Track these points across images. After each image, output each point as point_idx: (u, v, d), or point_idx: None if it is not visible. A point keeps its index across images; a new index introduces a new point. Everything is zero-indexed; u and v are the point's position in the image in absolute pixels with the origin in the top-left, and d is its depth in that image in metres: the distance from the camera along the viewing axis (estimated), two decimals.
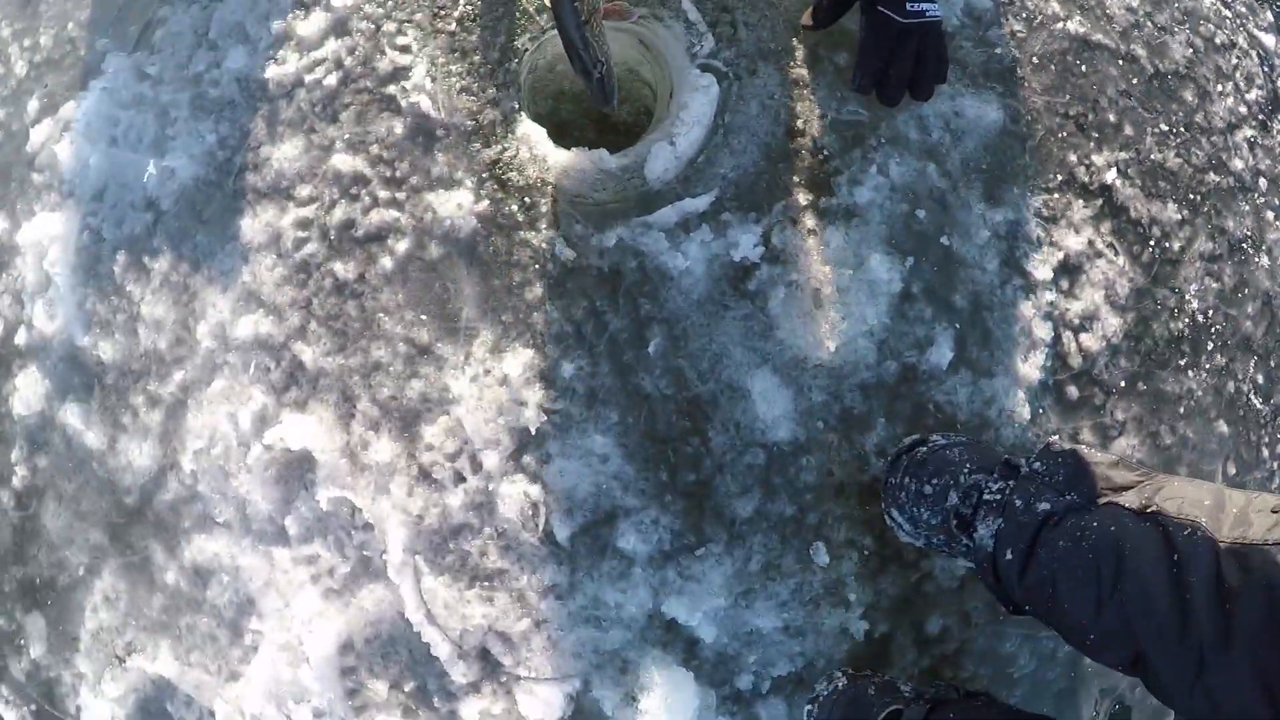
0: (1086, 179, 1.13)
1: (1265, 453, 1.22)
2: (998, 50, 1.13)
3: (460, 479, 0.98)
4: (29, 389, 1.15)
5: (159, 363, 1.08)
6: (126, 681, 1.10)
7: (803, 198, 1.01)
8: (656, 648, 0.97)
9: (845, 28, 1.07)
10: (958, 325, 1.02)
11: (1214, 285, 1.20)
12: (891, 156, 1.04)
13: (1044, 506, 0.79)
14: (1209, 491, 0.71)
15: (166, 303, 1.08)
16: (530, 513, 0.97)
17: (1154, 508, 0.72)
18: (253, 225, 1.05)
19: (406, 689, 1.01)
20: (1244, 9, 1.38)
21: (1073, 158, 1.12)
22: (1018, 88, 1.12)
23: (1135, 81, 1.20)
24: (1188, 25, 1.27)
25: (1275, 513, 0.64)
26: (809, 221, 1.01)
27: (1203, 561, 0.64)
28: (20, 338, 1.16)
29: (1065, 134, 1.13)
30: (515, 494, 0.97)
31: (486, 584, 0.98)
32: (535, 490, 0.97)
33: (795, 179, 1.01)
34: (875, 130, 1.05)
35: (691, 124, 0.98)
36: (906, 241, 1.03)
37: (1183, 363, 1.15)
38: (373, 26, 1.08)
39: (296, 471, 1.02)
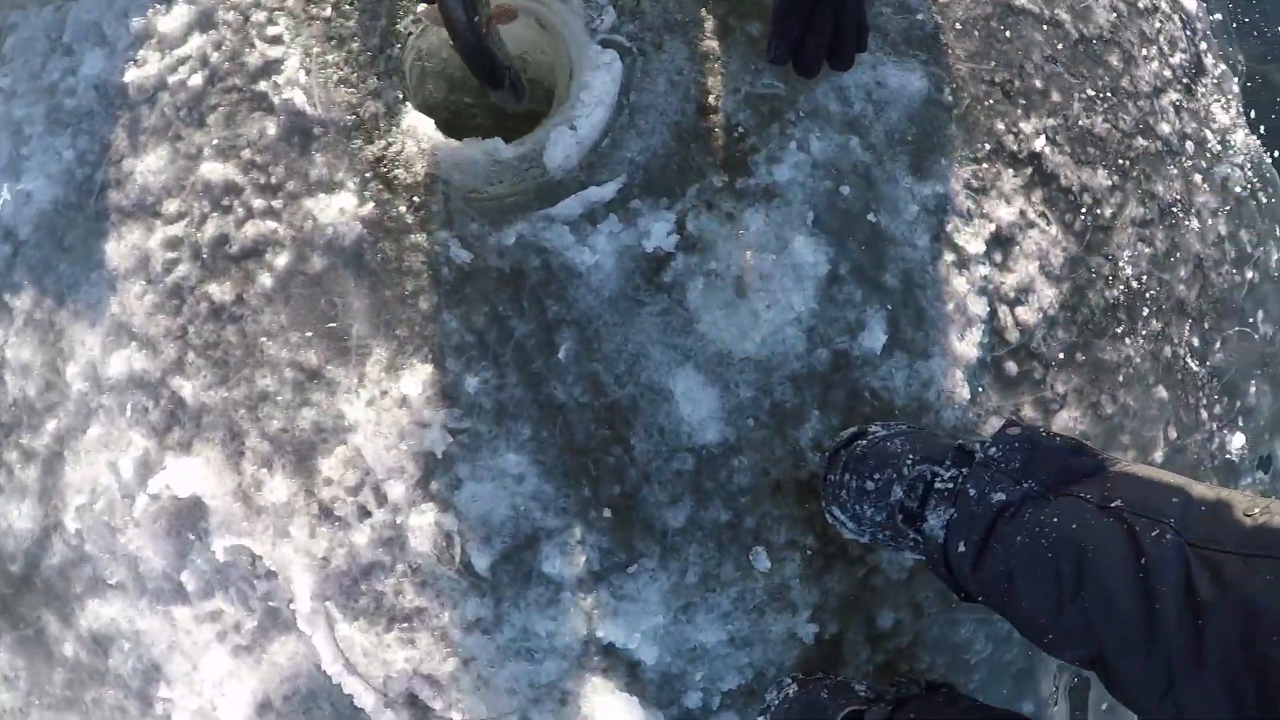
0: (1015, 147, 1.03)
1: (1204, 414, 1.15)
2: (919, 16, 1.02)
3: (365, 514, 0.85)
4: None
5: (30, 412, 0.92)
6: None
7: (718, 179, 0.89)
8: (596, 675, 0.86)
9: None
10: (889, 306, 0.92)
11: (1146, 250, 1.12)
12: (811, 131, 0.93)
13: (999, 497, 0.69)
14: (1176, 485, 0.63)
15: (32, 344, 0.92)
16: (444, 544, 0.84)
17: (1117, 501, 0.63)
18: (118, 249, 0.90)
19: None
20: None
21: (1000, 126, 1.02)
22: (941, 55, 1.02)
23: (1060, 47, 1.10)
24: None
25: (1248, 517, 0.56)
26: (726, 205, 0.89)
27: (1172, 568, 0.56)
28: None
29: (992, 102, 1.03)
30: (426, 525, 0.84)
31: (406, 625, 0.86)
32: (448, 519, 0.84)
33: (709, 159, 0.89)
34: (793, 104, 0.93)
35: (593, 105, 0.86)
36: (831, 221, 0.92)
37: (1119, 330, 1.07)
38: (240, 17, 0.93)
39: (188, 521, 0.88)
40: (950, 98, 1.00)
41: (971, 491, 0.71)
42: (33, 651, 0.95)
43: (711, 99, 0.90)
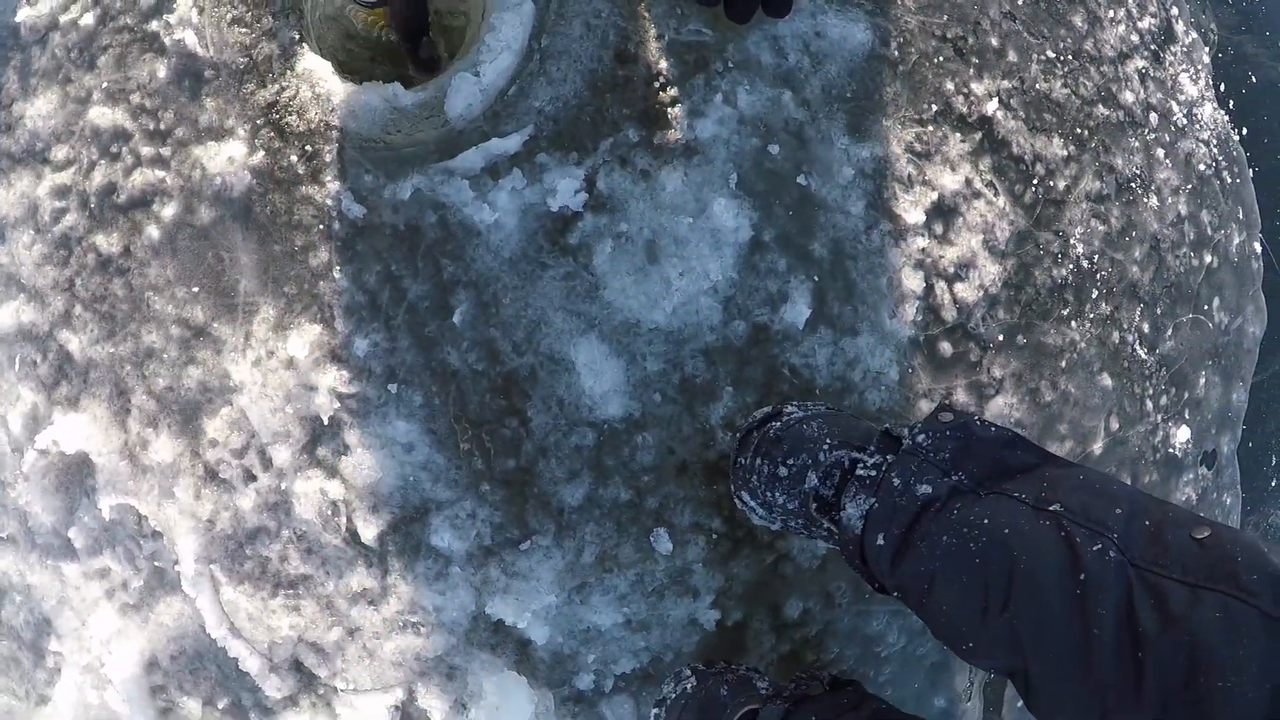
0: (965, 110, 0.84)
1: (1149, 405, 0.97)
2: None
3: (250, 477, 0.71)
4: None
5: None
6: None
7: (634, 133, 0.71)
8: (485, 651, 0.72)
9: None
10: (816, 278, 0.75)
11: (1100, 228, 0.92)
12: (740, 84, 0.74)
13: (925, 490, 0.54)
14: (1120, 494, 0.49)
15: None
16: (330, 512, 0.70)
17: (1056, 505, 0.50)
18: (6, 197, 0.75)
19: (220, 705, 0.75)
20: None
21: (949, 85, 0.83)
22: (889, 5, 0.82)
23: (1021, 3, 0.90)
24: None
25: (1196, 540, 0.42)
26: (641, 161, 0.72)
27: (1113, 590, 0.44)
28: None
29: (942, 59, 0.84)
30: (312, 492, 0.70)
31: (291, 592, 0.72)
32: (334, 486, 0.70)
33: (625, 111, 0.71)
34: (721, 53, 0.75)
35: (499, 50, 0.68)
36: (757, 182, 0.74)
37: (1065, 313, 0.89)
38: None
39: (76, 477, 0.74)
40: (896, 53, 0.80)
41: (895, 481, 0.56)
42: None
43: (631, 46, 0.72)
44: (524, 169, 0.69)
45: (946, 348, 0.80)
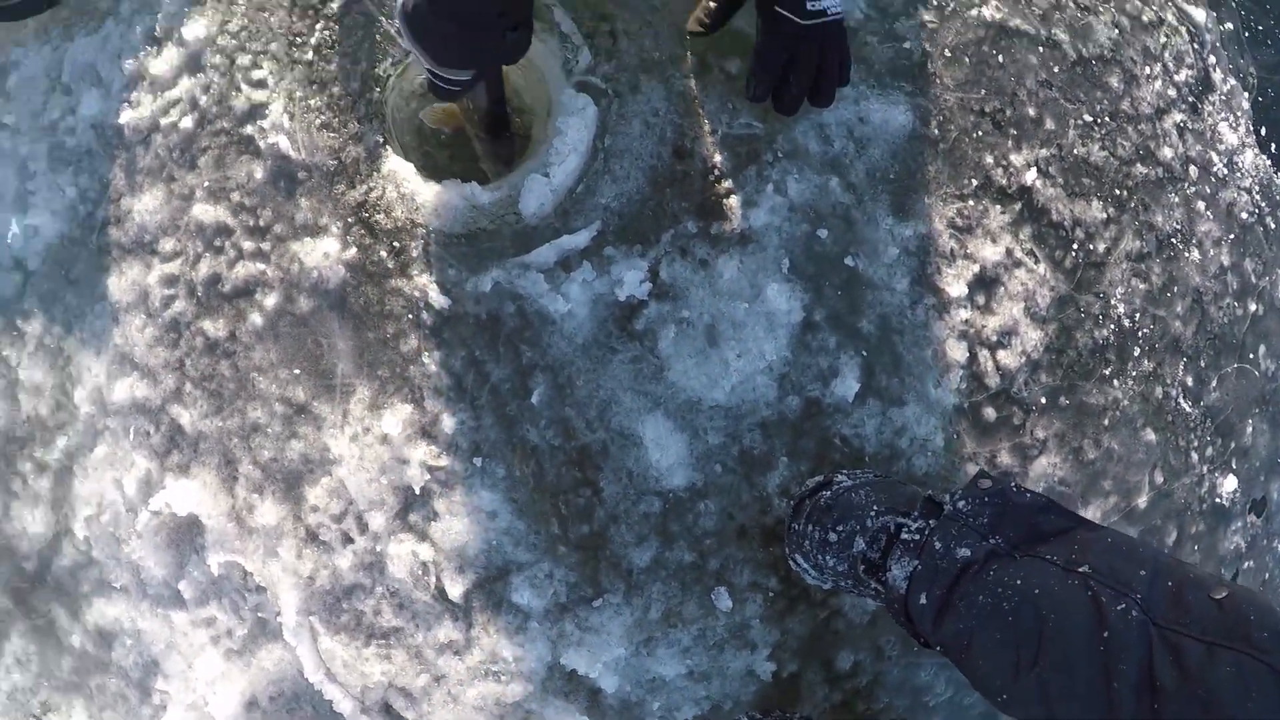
0: (1004, 181, 0.97)
1: (1195, 457, 1.10)
2: (906, 44, 0.96)
3: (348, 540, 0.87)
4: None
5: (42, 429, 0.96)
6: None
7: (692, 225, 0.86)
8: (559, 698, 0.87)
9: (737, 30, 0.90)
10: (864, 353, 0.89)
11: (1141, 286, 1.05)
12: (790, 173, 0.89)
13: (964, 552, 0.67)
14: (1145, 557, 0.61)
15: (43, 367, 0.95)
16: (420, 572, 0.86)
17: (1085, 566, 0.61)
18: (119, 284, 0.92)
19: None
20: None
21: (989, 159, 0.97)
22: (929, 85, 0.96)
23: (1057, 70, 1.03)
24: (1112, 3, 1.09)
25: (1215, 600, 0.54)
26: (700, 251, 0.86)
27: (1135, 650, 0.55)
28: None
29: (981, 133, 0.97)
30: (404, 554, 0.86)
31: (383, 642, 0.88)
32: (424, 549, 0.86)
33: (684, 204, 0.86)
34: (771, 144, 0.89)
35: (567, 153, 0.83)
36: (807, 266, 0.88)
37: (1107, 372, 1.02)
38: (227, 60, 0.91)
39: (186, 536, 0.91)
40: (936, 131, 0.94)
41: (937, 545, 0.69)
42: (44, 639, 1.01)
43: (687, 141, 0.87)
44: (593, 261, 0.84)
45: (990, 413, 0.93)
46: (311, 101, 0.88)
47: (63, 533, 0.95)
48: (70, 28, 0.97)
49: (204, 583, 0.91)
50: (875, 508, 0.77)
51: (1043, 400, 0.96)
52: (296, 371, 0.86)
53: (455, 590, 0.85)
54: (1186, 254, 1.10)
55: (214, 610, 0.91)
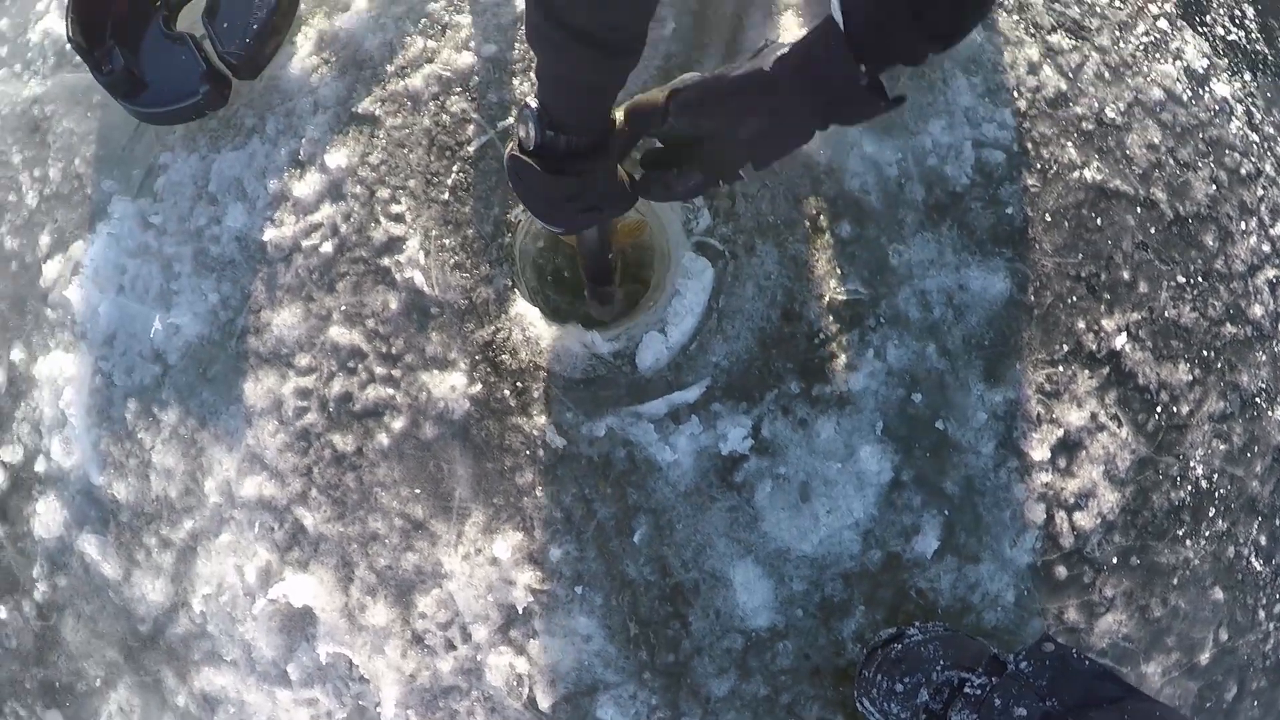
0: (1094, 346, 1.11)
1: (1261, 614, 1.23)
2: (1009, 210, 1.10)
3: (451, 646, 1.05)
4: (49, 515, 1.24)
5: (170, 509, 1.15)
6: None
7: (795, 385, 1.02)
8: None
9: (852, 194, 1.05)
10: (947, 512, 1.04)
11: (1221, 447, 1.19)
12: (890, 338, 1.04)
13: (1020, 712, 0.83)
14: None
15: (176, 454, 1.14)
16: (515, 682, 1.04)
17: None
18: (255, 390, 1.10)
19: None
20: (1273, 130, 1.30)
21: (1081, 324, 1.11)
22: (1028, 251, 1.10)
23: (1154, 230, 1.16)
24: (1211, 157, 1.21)
25: None
26: (801, 411, 1.02)
27: None
28: (39, 465, 1.24)
29: (1075, 299, 1.11)
30: (502, 665, 1.04)
31: None
32: (521, 662, 1.04)
33: (789, 365, 1.02)
34: (875, 309, 1.04)
35: (684, 314, 0.99)
36: (900, 428, 1.03)
37: (1181, 532, 1.16)
38: (367, 192, 1.09)
39: (299, 624, 1.10)
40: (1032, 297, 1.08)
41: (997, 702, 0.85)
42: (149, 695, 1.21)
43: (796, 305, 1.02)
44: (700, 416, 1.00)
45: (1062, 571, 1.08)
46: (446, 241, 1.05)
47: (180, 605, 1.14)
48: (217, 140, 1.15)
49: (310, 667, 1.10)
50: (942, 662, 0.92)
51: (1114, 560, 1.10)
52: (417, 491, 1.04)
53: (545, 701, 1.03)
54: (1270, 413, 1.23)
55: (317, 693, 1.10)
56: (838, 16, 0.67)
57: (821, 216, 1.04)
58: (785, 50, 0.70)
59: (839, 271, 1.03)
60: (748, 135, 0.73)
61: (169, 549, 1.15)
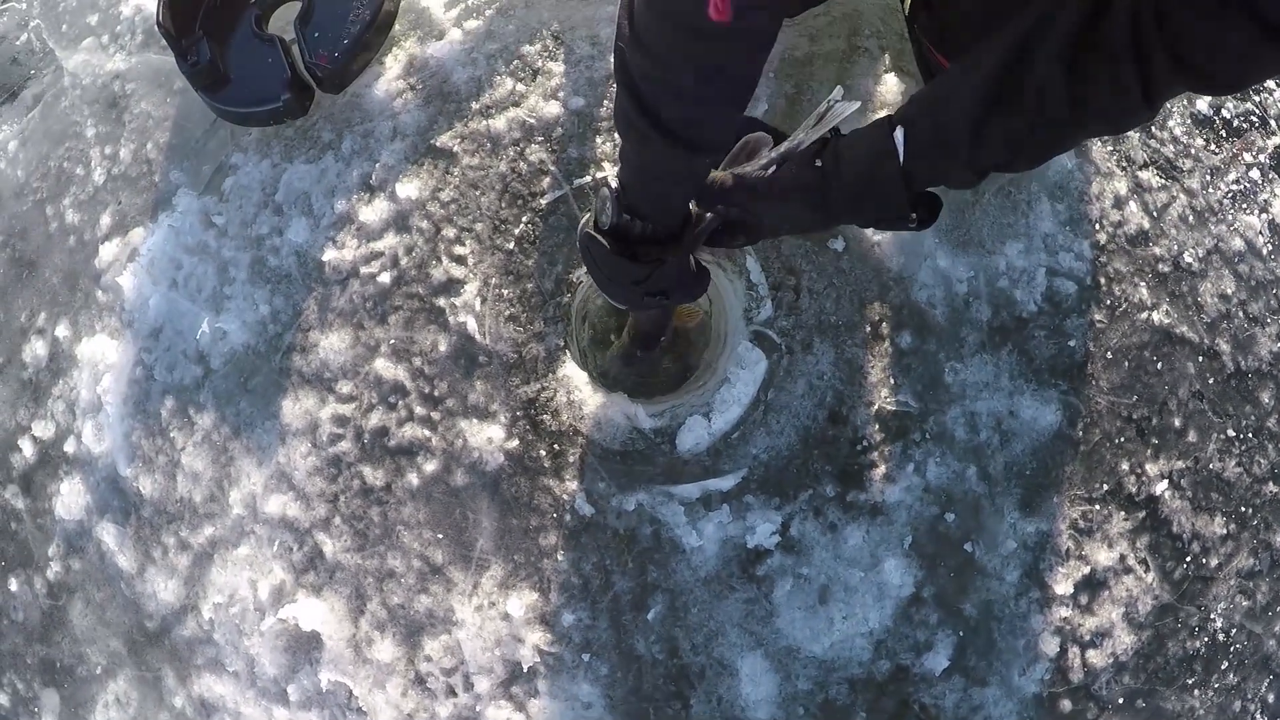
0: (1134, 489, 1.10)
1: None
2: (1071, 342, 1.09)
3: (452, 693, 1.07)
4: (71, 497, 1.25)
5: (192, 512, 1.17)
6: None
7: (831, 489, 1.02)
8: None
9: (918, 305, 1.05)
10: (962, 633, 1.04)
11: (1244, 603, 1.18)
12: (932, 455, 1.04)
13: None
14: None
15: (206, 459, 1.16)
16: None
17: None
18: (293, 409, 1.11)
19: None
20: None
21: (1125, 466, 1.10)
22: (1084, 386, 1.09)
23: (1212, 381, 1.15)
24: None
25: None
26: (832, 515, 1.02)
27: None
28: (69, 446, 1.26)
29: (1123, 440, 1.10)
30: (500, 718, 1.05)
31: None
32: (518, 719, 1.05)
33: (828, 468, 1.02)
34: (922, 424, 1.04)
35: (732, 402, 0.99)
36: (928, 545, 1.04)
37: (1190, 681, 1.16)
38: (433, 228, 1.09)
39: (304, 647, 1.12)
40: (1081, 433, 1.07)
41: None
42: (147, 692, 1.23)
43: (844, 409, 1.02)
44: (732, 505, 1.00)
45: (1066, 704, 1.08)
46: (505, 291, 1.05)
47: (190, 608, 1.16)
48: (291, 149, 1.15)
49: (310, 691, 1.11)
50: None
51: (1120, 700, 1.10)
52: (440, 535, 1.05)
53: None
54: None
55: (313, 717, 1.12)
56: (900, 145, 0.68)
57: (884, 323, 1.04)
58: (841, 150, 0.72)
59: (892, 381, 1.03)
60: (789, 223, 0.76)
61: (186, 551, 1.17)
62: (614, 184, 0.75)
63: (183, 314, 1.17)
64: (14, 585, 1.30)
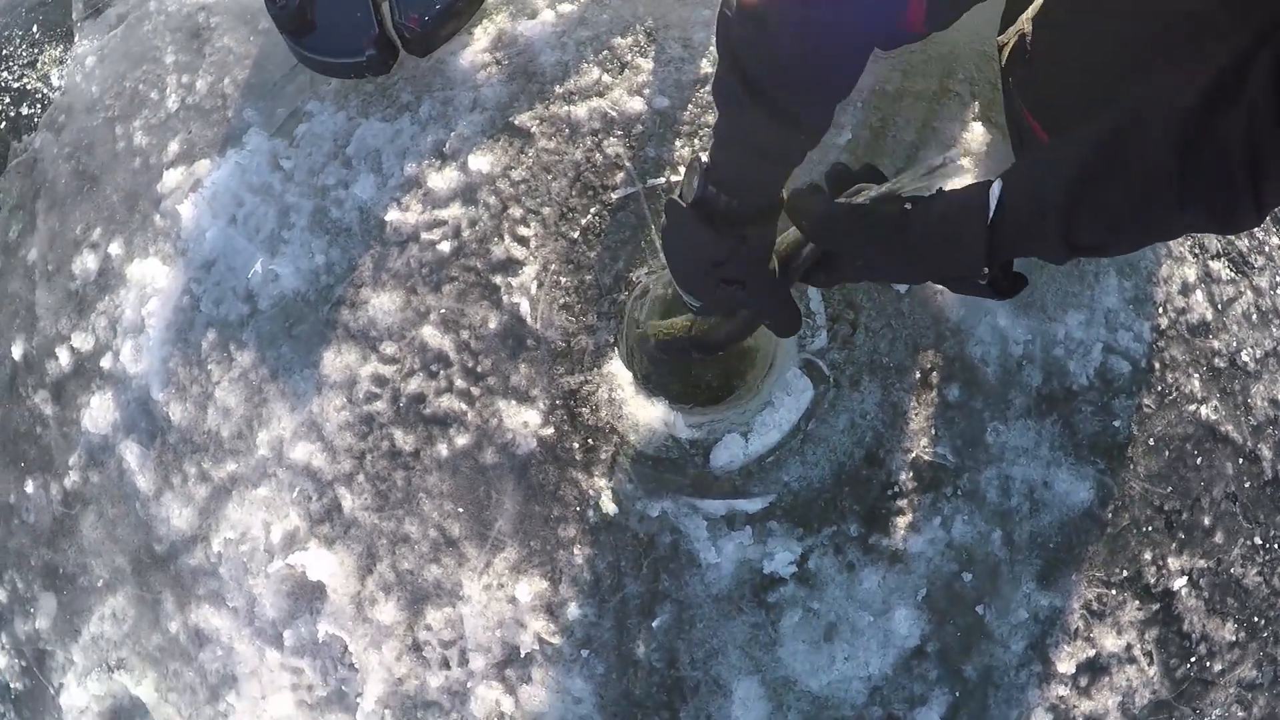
0: (1152, 580, 1.10)
1: None
2: (1116, 422, 1.09)
3: (445, 665, 1.08)
4: (100, 412, 1.27)
5: (218, 446, 1.18)
6: (108, 688, 1.27)
7: (855, 528, 1.02)
8: None
9: (971, 360, 1.05)
10: (957, 694, 1.05)
11: (1240, 714, 1.18)
12: (961, 512, 1.04)
13: None
14: None
15: (239, 396, 1.17)
16: (496, 719, 1.07)
17: None
18: (334, 361, 1.12)
19: None
20: None
21: (1147, 555, 1.10)
22: (1121, 468, 1.09)
23: (1248, 485, 1.14)
24: None
25: None
26: (852, 554, 1.03)
27: None
28: (105, 362, 1.27)
29: (1150, 529, 1.10)
30: (489, 698, 1.06)
31: None
32: (508, 702, 1.06)
33: (855, 507, 1.02)
34: (956, 479, 1.04)
35: (772, 427, 0.99)
36: (941, 600, 1.04)
37: None
38: (500, 205, 1.09)
39: (307, 596, 1.13)
40: (1110, 515, 1.07)
41: None
42: (144, 612, 1.25)
43: (882, 451, 1.02)
44: (755, 529, 1.00)
45: None
46: (563, 279, 1.05)
47: (200, 539, 1.17)
48: (368, 105, 1.15)
49: (306, 639, 1.13)
50: None
51: None
52: (460, 510, 1.05)
53: None
54: None
55: (305, 664, 1.13)
56: (992, 202, 0.68)
57: (934, 372, 1.04)
58: (933, 199, 0.71)
59: (934, 432, 1.03)
60: (864, 261, 0.75)
61: (205, 483, 1.18)
62: (704, 157, 0.75)
63: (238, 251, 1.18)
64: (30, 487, 1.32)
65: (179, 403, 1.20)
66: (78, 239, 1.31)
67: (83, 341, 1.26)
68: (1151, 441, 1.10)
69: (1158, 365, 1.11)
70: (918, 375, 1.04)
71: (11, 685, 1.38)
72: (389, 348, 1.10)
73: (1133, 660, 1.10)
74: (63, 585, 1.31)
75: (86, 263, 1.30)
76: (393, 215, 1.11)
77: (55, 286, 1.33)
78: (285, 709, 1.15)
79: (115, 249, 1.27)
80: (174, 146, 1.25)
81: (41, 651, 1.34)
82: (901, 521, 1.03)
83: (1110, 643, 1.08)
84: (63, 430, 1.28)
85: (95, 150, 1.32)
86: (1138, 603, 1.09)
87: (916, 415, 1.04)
